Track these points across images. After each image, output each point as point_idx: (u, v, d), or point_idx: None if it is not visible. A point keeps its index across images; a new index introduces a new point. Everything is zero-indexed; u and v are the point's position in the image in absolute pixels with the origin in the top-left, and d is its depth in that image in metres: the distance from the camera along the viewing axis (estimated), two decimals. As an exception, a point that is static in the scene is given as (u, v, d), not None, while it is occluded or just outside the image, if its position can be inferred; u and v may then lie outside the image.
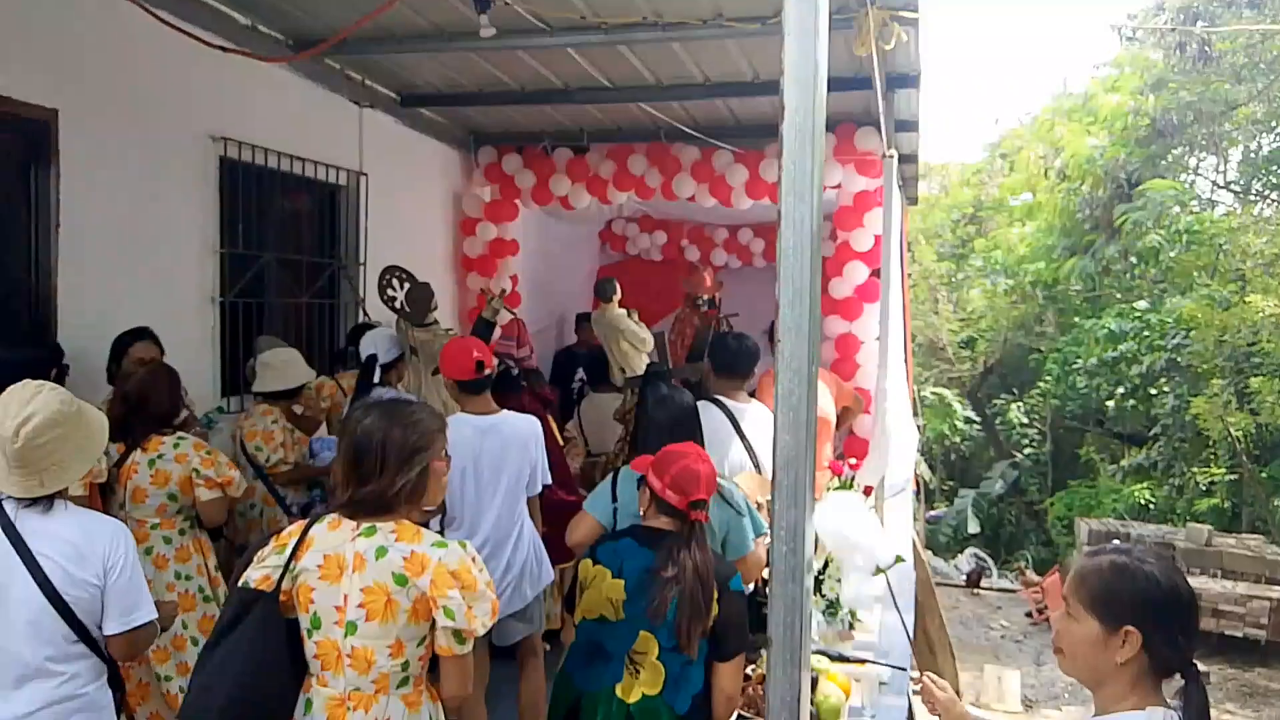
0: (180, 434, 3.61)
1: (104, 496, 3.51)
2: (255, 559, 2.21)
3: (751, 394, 4.26)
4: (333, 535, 2.19)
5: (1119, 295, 15.38)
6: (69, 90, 4.06)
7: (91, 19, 4.14)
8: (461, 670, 2.21)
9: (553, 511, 4.08)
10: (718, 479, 3.18)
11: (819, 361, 1.77)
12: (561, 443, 5.44)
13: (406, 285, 5.89)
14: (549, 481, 3.99)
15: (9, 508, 2.33)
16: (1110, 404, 15.10)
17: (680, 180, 7.16)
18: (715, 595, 2.58)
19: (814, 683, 3.03)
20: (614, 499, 3.22)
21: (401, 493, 2.19)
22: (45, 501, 2.35)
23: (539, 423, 3.97)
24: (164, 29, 4.29)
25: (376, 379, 4.69)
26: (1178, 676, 1.72)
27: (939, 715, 2.27)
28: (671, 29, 4.72)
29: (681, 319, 8.21)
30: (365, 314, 6.23)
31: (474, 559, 2.20)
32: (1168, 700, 1.71)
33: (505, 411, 3.87)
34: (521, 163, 7.55)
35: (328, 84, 5.87)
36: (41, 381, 2.42)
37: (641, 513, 2.82)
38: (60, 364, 3.69)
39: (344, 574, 2.14)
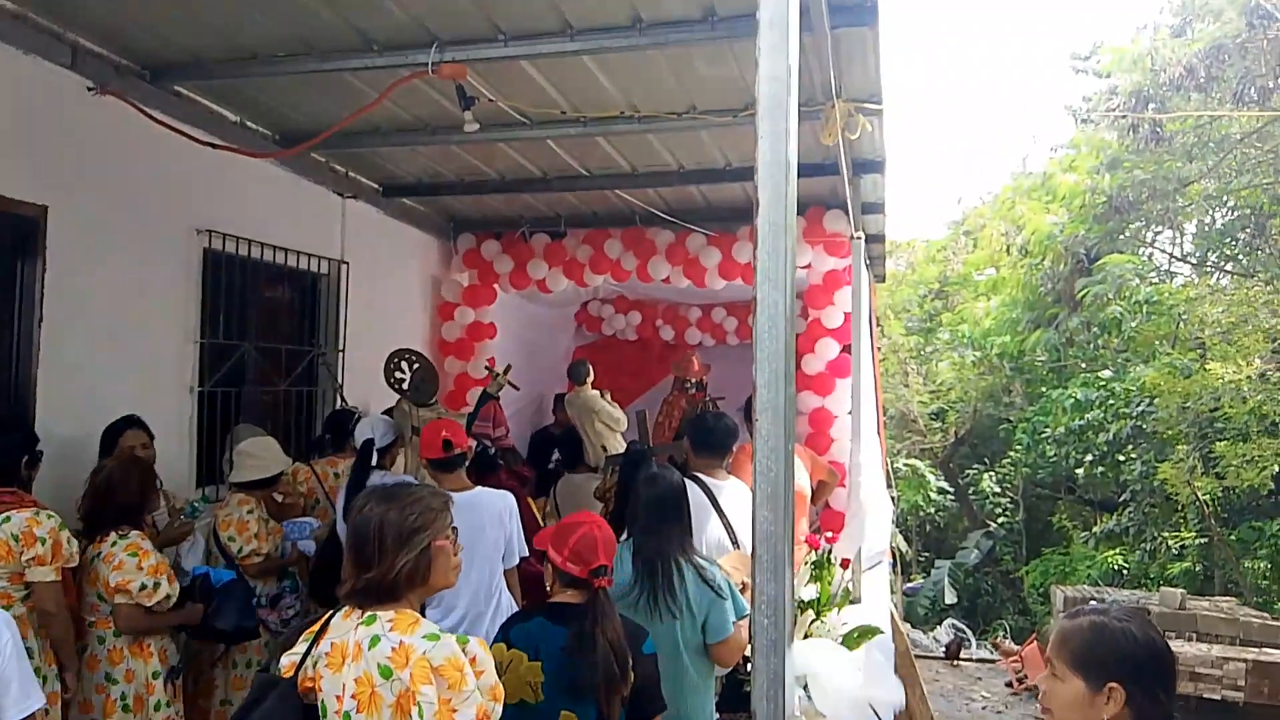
0: (124, 535, 3.54)
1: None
2: (289, 649, 2.24)
3: (728, 470, 4.34)
4: (343, 624, 2.18)
5: (1083, 365, 15.65)
6: (60, 187, 4.13)
7: (84, 118, 4.22)
8: None
9: (529, 585, 4.12)
10: (696, 557, 3.21)
11: (795, 439, 1.85)
12: (540, 520, 5.48)
13: (416, 365, 5.98)
14: (525, 554, 4.05)
15: None
16: (1080, 471, 15.26)
17: (655, 263, 7.29)
18: (630, 662, 2.58)
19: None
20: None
21: (401, 575, 2.15)
22: None
23: (512, 496, 4.07)
24: (153, 125, 4.41)
25: (374, 463, 4.73)
26: None
27: None
28: (647, 121, 4.89)
29: (670, 401, 8.35)
30: (343, 400, 6.23)
31: (474, 659, 2.13)
32: None
33: (479, 487, 3.99)
34: (500, 248, 7.68)
35: (312, 176, 5.98)
36: None
37: (548, 588, 2.80)
38: (34, 451, 3.68)
39: (345, 663, 2.12)
